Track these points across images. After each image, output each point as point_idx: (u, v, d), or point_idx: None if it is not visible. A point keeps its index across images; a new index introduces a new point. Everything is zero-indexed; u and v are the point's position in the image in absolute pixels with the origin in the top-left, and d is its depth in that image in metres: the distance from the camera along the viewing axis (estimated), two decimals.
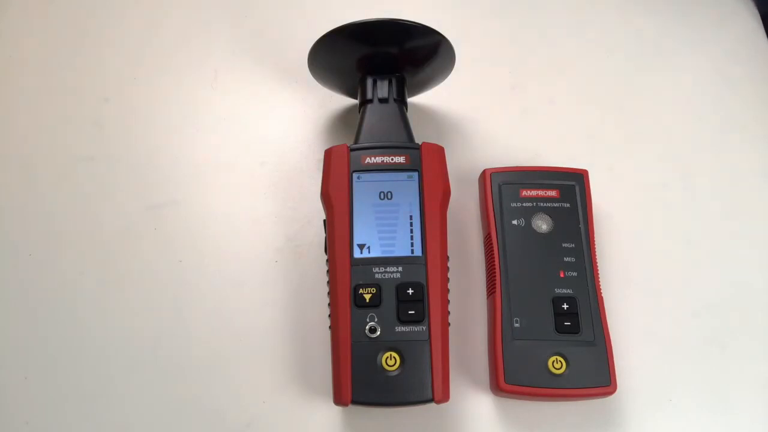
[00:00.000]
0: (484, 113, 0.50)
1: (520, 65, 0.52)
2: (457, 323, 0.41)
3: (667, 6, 0.55)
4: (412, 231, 0.38)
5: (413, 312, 0.37)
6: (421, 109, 0.50)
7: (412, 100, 0.48)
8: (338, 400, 0.36)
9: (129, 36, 0.54)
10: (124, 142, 0.49)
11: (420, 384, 0.36)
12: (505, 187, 0.43)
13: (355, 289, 0.37)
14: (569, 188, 0.43)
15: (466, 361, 0.41)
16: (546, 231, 0.41)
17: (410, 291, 0.37)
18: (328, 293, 0.38)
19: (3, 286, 0.45)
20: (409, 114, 0.44)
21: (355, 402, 0.36)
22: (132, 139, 0.49)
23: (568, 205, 0.42)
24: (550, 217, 0.42)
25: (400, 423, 0.40)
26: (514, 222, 0.42)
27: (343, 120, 0.49)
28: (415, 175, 0.39)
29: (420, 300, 0.37)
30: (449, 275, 0.39)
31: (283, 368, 0.41)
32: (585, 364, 0.38)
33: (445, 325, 0.37)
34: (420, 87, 0.47)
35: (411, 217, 0.39)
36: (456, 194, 0.42)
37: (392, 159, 0.40)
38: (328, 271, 0.39)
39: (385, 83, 0.43)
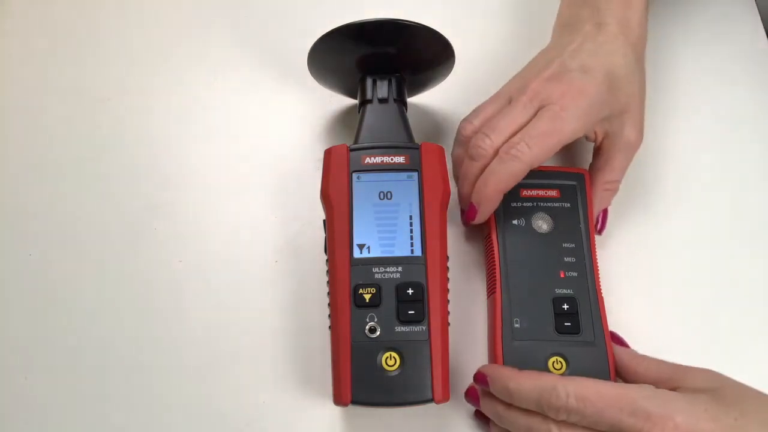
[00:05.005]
0: None
1: (520, 65, 0.52)
2: (457, 323, 0.41)
3: (666, 5, 0.55)
4: (411, 231, 0.38)
5: (413, 312, 0.37)
6: (421, 109, 0.50)
7: (412, 100, 0.48)
8: (338, 400, 0.36)
9: (129, 36, 0.54)
10: (124, 142, 0.49)
11: (420, 384, 0.36)
12: None
13: (355, 289, 0.37)
14: (570, 188, 0.43)
15: (466, 361, 0.41)
16: (546, 231, 0.41)
17: (410, 291, 0.37)
18: (328, 293, 0.38)
19: (3, 286, 0.45)
20: (409, 114, 0.44)
21: (355, 402, 0.36)
22: (132, 139, 0.49)
23: (569, 205, 0.42)
24: (551, 216, 0.42)
25: (400, 423, 0.40)
26: (515, 222, 0.42)
27: (343, 120, 0.49)
28: (415, 175, 0.39)
29: (420, 300, 0.37)
30: (449, 275, 0.39)
31: (283, 368, 0.42)
32: (585, 364, 0.38)
33: (445, 325, 0.37)
34: (420, 87, 0.47)
35: (411, 217, 0.39)
36: (456, 194, 0.42)
37: (392, 159, 0.40)
38: (327, 271, 0.39)
39: (385, 83, 0.43)
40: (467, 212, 0.41)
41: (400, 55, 0.43)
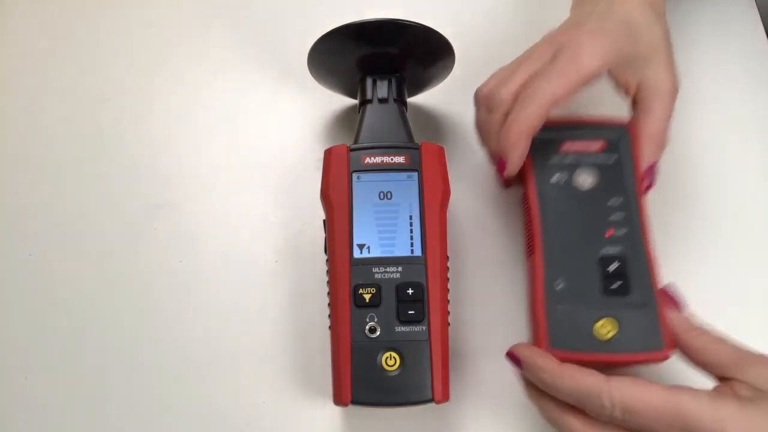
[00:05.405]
0: None
1: None
2: (457, 323, 0.41)
3: (666, 5, 0.55)
4: (411, 231, 0.38)
5: (413, 312, 0.37)
6: (421, 109, 0.50)
7: (412, 100, 0.48)
8: (338, 400, 0.36)
9: (129, 36, 0.54)
10: (124, 142, 0.49)
11: (420, 384, 0.36)
12: (545, 140, 0.38)
13: (355, 289, 0.37)
14: (614, 140, 0.39)
15: (466, 361, 0.41)
16: (590, 187, 0.38)
17: (410, 291, 0.37)
18: (328, 293, 0.38)
19: (3, 286, 0.45)
20: (409, 114, 0.44)
21: (355, 402, 0.36)
22: (132, 139, 0.49)
23: (614, 158, 0.39)
24: (595, 172, 0.39)
25: (400, 423, 0.40)
26: (554, 178, 0.38)
27: (343, 120, 0.49)
28: (415, 175, 0.39)
29: (420, 300, 0.37)
30: (449, 275, 0.39)
31: (283, 368, 0.42)
32: (635, 327, 0.35)
33: (445, 325, 0.37)
34: (420, 87, 0.47)
35: (411, 217, 0.39)
36: (456, 194, 0.42)
37: (392, 159, 0.40)
38: (328, 271, 0.39)
39: (385, 83, 0.43)
40: (497, 165, 0.38)
41: (400, 55, 0.43)
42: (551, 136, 0.39)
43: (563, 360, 0.34)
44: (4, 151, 0.49)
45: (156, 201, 0.47)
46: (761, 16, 0.55)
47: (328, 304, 0.38)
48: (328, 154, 0.40)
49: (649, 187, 0.40)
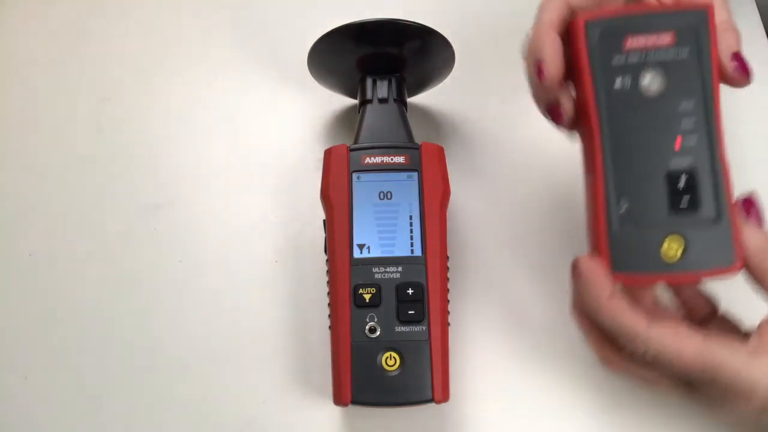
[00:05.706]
0: (484, 113, 0.50)
1: (521, 63, 0.52)
2: (457, 323, 0.41)
3: None
4: (411, 231, 0.38)
5: (413, 312, 0.37)
6: (421, 109, 0.50)
7: (412, 100, 0.48)
8: (338, 400, 0.36)
9: (129, 36, 0.54)
10: (124, 142, 0.49)
11: (420, 384, 0.36)
12: (605, 37, 0.33)
13: (355, 289, 0.37)
14: (689, 28, 0.33)
15: (466, 361, 0.41)
16: (658, 90, 0.33)
17: (410, 291, 0.37)
18: (328, 293, 0.38)
19: (3, 286, 0.45)
20: (409, 114, 0.44)
21: (355, 402, 0.36)
22: (132, 139, 0.49)
23: (688, 50, 0.33)
24: (664, 71, 0.33)
25: (400, 423, 0.40)
26: (617, 83, 0.33)
27: (343, 120, 0.49)
28: (415, 175, 0.39)
29: (420, 300, 0.37)
30: (449, 275, 0.39)
31: (283, 368, 0.42)
32: (705, 244, 0.32)
33: (445, 325, 0.37)
34: (420, 87, 0.47)
35: (411, 217, 0.39)
36: (456, 194, 0.42)
37: (392, 159, 0.40)
38: (327, 271, 0.39)
39: (385, 83, 0.43)
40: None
41: (400, 55, 0.43)
42: (612, 31, 0.33)
43: (628, 284, 0.33)
44: (4, 151, 0.49)
45: (156, 201, 0.47)
46: (761, 16, 0.55)
47: (328, 304, 0.38)
48: (328, 154, 0.40)
49: (747, 72, 0.36)
